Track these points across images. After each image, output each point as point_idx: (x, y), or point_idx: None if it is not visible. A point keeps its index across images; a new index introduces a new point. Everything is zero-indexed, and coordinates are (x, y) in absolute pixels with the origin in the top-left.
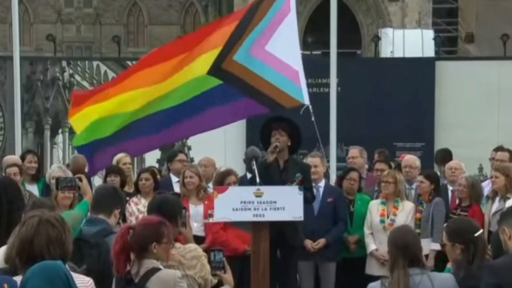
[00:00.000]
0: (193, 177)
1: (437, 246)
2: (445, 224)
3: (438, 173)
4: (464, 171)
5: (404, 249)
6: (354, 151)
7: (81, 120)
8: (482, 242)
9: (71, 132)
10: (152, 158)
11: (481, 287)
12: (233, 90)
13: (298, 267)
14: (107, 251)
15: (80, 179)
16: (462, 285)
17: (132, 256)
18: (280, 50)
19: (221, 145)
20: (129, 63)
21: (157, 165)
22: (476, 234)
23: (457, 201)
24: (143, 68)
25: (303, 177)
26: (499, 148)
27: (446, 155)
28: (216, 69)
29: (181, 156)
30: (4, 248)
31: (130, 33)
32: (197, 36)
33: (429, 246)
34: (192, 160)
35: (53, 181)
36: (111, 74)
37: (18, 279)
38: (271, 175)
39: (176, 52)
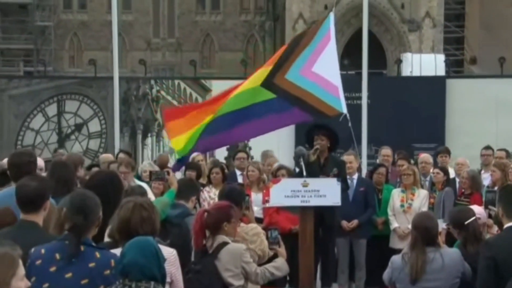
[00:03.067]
0: (254, 171)
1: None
2: None
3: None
4: (469, 166)
5: (423, 232)
6: (388, 151)
7: (179, 142)
8: (473, 228)
9: (158, 135)
10: (220, 155)
11: (479, 259)
12: (285, 102)
13: (336, 243)
14: (186, 229)
15: (168, 173)
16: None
17: (207, 233)
18: (324, 70)
19: (275, 145)
20: (203, 81)
21: (224, 161)
22: (466, 222)
23: (462, 190)
24: (221, 99)
25: (339, 171)
26: (488, 147)
27: None
28: (268, 83)
29: (238, 155)
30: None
31: (204, 57)
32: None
33: (441, 225)
34: (252, 157)
35: (145, 174)
36: (188, 90)
37: (118, 250)
38: (313, 169)
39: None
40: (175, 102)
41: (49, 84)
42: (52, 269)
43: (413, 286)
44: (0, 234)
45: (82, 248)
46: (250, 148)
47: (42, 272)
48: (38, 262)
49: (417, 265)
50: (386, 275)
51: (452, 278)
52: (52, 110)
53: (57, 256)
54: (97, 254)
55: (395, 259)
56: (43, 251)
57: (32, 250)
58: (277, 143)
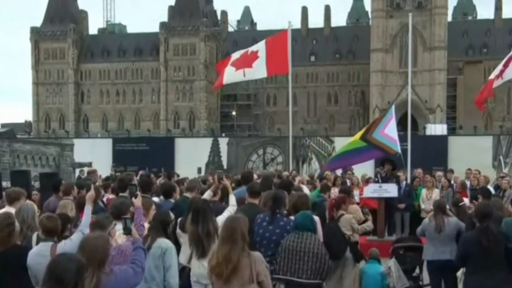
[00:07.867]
0: (355, 179)
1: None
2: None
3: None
4: (460, 178)
5: (441, 209)
6: (420, 170)
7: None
8: (465, 208)
9: (309, 162)
10: (338, 172)
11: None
12: (371, 147)
13: (394, 214)
14: (324, 207)
15: (315, 180)
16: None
17: (334, 209)
18: (389, 131)
19: (364, 168)
20: (330, 138)
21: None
22: (460, 204)
23: (457, 190)
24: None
25: (396, 180)
26: (469, 169)
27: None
28: (364, 138)
29: (348, 172)
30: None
31: (331, 127)
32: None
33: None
34: (353, 173)
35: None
36: (323, 142)
37: (292, 217)
38: (384, 180)
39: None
40: (316, 147)
41: (259, 140)
42: (264, 224)
43: (438, 234)
44: (238, 209)
45: (278, 216)
46: (352, 169)
47: (260, 225)
48: (259, 221)
49: (440, 223)
50: (419, 230)
51: (452, 231)
52: (260, 151)
53: (267, 218)
54: (284, 219)
55: (425, 220)
56: (261, 216)
57: (257, 215)
58: (365, 167)
